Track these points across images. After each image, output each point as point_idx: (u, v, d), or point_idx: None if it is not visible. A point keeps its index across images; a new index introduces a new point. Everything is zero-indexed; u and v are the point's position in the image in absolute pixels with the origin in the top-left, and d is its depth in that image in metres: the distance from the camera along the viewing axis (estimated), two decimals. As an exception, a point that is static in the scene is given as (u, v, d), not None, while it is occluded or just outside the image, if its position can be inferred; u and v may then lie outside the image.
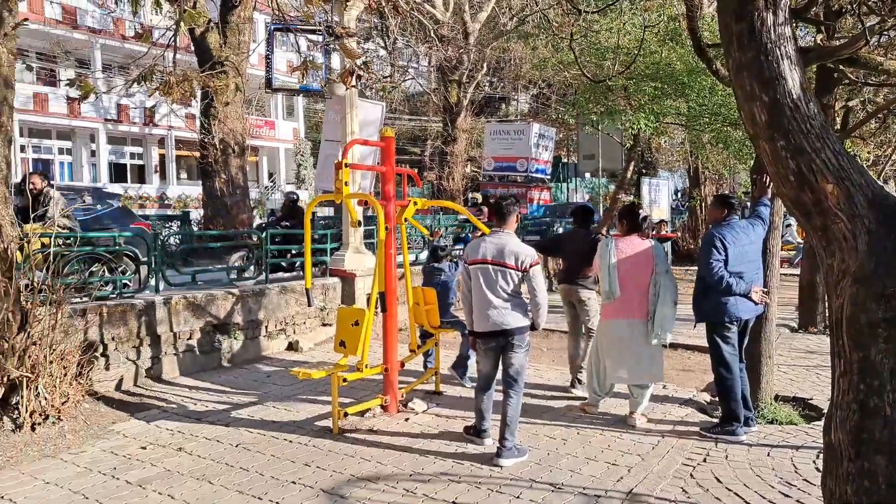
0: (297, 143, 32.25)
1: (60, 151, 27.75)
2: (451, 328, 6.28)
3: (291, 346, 7.95)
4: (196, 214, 17.20)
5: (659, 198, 20.42)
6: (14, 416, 5.13)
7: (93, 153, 28.04)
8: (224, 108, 12.75)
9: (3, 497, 4.12)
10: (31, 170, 25.78)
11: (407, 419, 5.39)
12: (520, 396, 4.61)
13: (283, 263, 9.36)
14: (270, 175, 32.99)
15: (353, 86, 5.64)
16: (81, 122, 26.80)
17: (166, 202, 27.25)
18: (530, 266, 4.53)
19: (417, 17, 17.85)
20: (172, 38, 6.04)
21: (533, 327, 4.63)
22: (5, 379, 5.13)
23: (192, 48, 13.06)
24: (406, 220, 5.80)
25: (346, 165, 5.52)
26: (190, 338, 7.02)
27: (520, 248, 4.59)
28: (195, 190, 28.34)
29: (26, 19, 5.01)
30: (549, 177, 24.16)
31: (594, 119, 14.78)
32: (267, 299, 7.77)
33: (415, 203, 5.75)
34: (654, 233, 11.37)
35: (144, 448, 4.92)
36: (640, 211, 5.38)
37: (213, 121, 12.72)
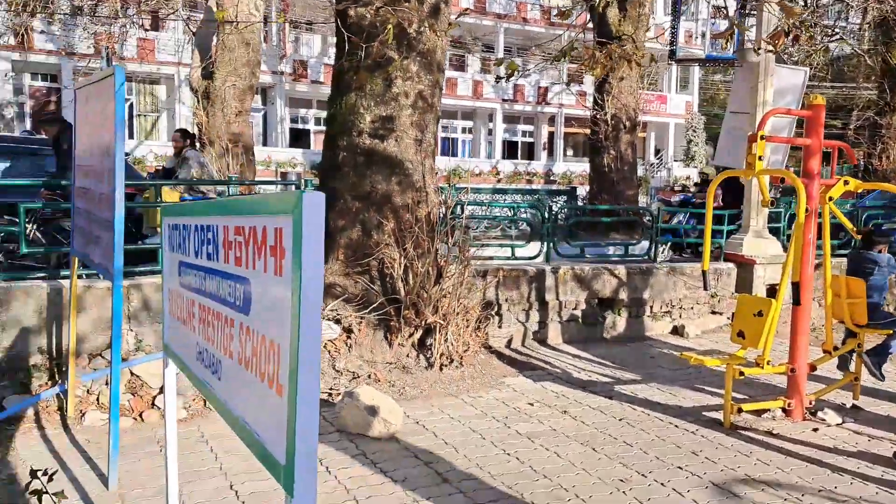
0: (689, 117, 31.32)
1: (463, 131, 31.86)
2: (884, 328, 5.44)
3: (676, 331, 7.87)
4: (582, 190, 18.06)
5: None
6: (427, 356, 6.14)
7: (489, 132, 31.53)
8: (619, 83, 13.04)
9: (417, 422, 5.00)
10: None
11: (815, 429, 4.89)
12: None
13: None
14: (657, 151, 32.76)
15: (780, 50, 5.21)
16: (482, 103, 30.32)
17: (552, 178, 29.22)
18: None
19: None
20: (590, 16, 6.37)
21: None
22: (423, 323, 6.17)
23: (591, 25, 13.61)
24: (830, 198, 5.18)
25: (762, 138, 5.15)
26: (575, 308, 7.46)
27: None
28: (579, 167, 29.81)
29: (467, 10, 5.82)
30: None
31: None
32: (654, 279, 7.80)
33: (845, 182, 5.09)
34: None
35: (532, 405, 5.43)
36: None
37: (607, 96, 13.12)
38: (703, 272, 5.46)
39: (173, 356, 2.69)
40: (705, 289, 5.82)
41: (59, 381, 5.28)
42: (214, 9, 13.30)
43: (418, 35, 6.22)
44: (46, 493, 2.28)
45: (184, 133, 8.20)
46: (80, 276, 5.44)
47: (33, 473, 2.33)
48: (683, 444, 4.59)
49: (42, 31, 21.92)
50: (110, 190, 3.96)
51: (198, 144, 8.06)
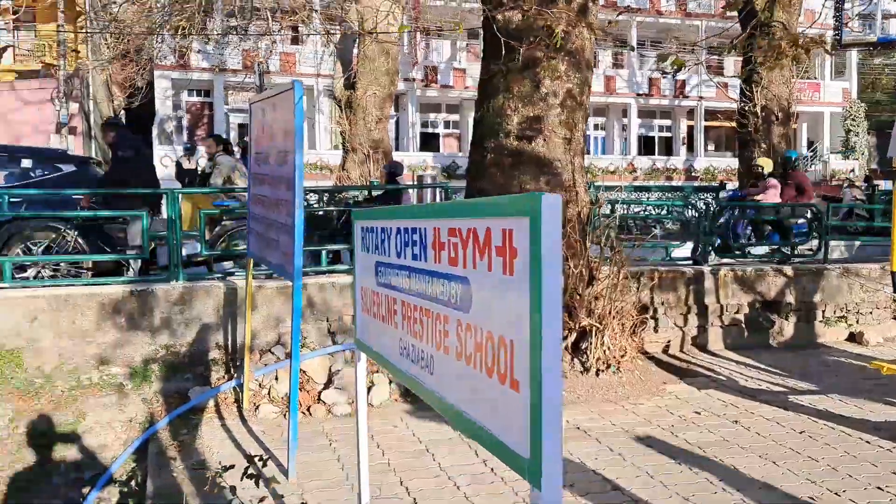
0: (847, 105, 29.04)
1: (595, 127, 31.21)
2: None
3: (853, 337, 7.29)
4: (731, 186, 17.21)
5: None
6: (583, 360, 6.06)
7: (623, 127, 30.72)
8: (769, 72, 12.28)
9: (577, 428, 4.95)
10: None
11: None
12: None
13: None
14: (811, 143, 30.63)
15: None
16: (614, 98, 29.60)
17: (693, 174, 28.03)
18: None
19: None
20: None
21: None
22: (576, 326, 6.10)
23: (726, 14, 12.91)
24: None
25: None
26: (737, 312, 7.10)
27: None
28: (722, 161, 28.41)
29: (628, 6, 5.72)
30: None
31: None
32: (825, 281, 7.28)
33: None
34: None
35: (698, 413, 5.22)
36: None
37: (756, 87, 12.40)
38: (893, 273, 5.04)
39: (367, 351, 2.82)
40: (895, 291, 5.36)
41: (235, 375, 5.70)
42: (354, 23, 13.91)
43: (566, 35, 6.18)
44: (262, 477, 2.46)
45: (217, 139, 8.47)
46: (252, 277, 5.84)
47: (250, 459, 2.52)
48: (880, 463, 4.23)
49: (199, 51, 23.84)
50: (290, 196, 4.23)
51: (237, 150, 8.37)
